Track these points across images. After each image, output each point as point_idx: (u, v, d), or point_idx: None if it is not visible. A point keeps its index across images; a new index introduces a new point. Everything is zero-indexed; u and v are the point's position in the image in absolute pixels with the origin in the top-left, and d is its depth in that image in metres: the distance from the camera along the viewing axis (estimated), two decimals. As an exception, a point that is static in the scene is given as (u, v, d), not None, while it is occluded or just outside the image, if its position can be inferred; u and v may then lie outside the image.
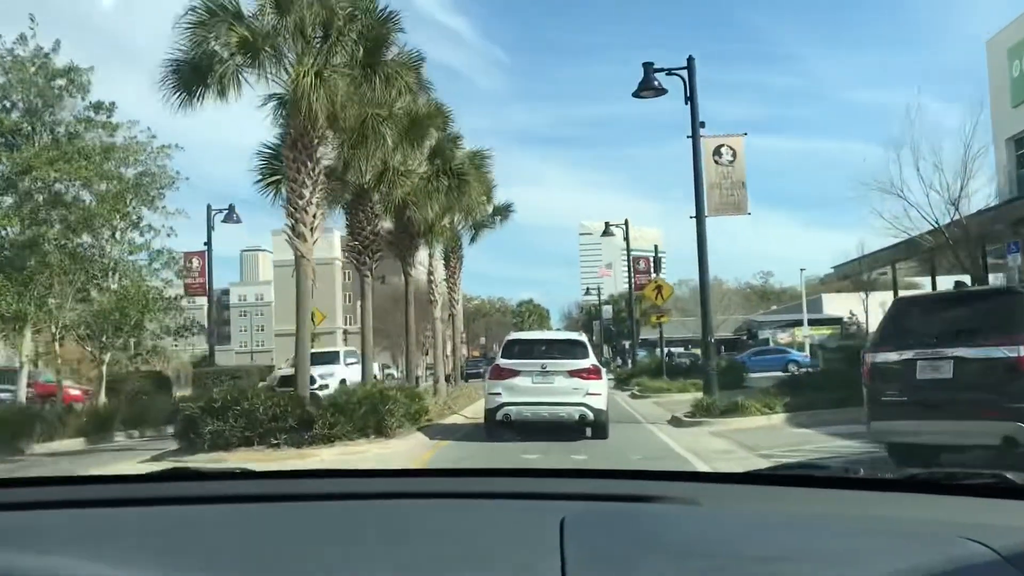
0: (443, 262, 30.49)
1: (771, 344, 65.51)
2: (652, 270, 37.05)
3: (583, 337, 16.53)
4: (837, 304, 74.05)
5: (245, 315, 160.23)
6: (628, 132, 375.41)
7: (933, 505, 1.65)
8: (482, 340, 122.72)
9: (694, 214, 18.34)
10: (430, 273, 29.47)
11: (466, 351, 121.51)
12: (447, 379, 32.31)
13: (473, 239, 31.26)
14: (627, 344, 79.94)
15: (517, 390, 14.53)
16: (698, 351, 64.09)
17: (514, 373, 14.68)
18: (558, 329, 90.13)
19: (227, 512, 1.72)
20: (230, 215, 28.40)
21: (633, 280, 36.07)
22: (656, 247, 37.51)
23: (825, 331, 67.66)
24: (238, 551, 1.45)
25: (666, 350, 47.36)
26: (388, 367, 60.23)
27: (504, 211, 31.20)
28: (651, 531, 1.49)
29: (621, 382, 36.22)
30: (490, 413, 14.80)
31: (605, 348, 73.60)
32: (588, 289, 72.27)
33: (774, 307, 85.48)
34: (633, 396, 27.91)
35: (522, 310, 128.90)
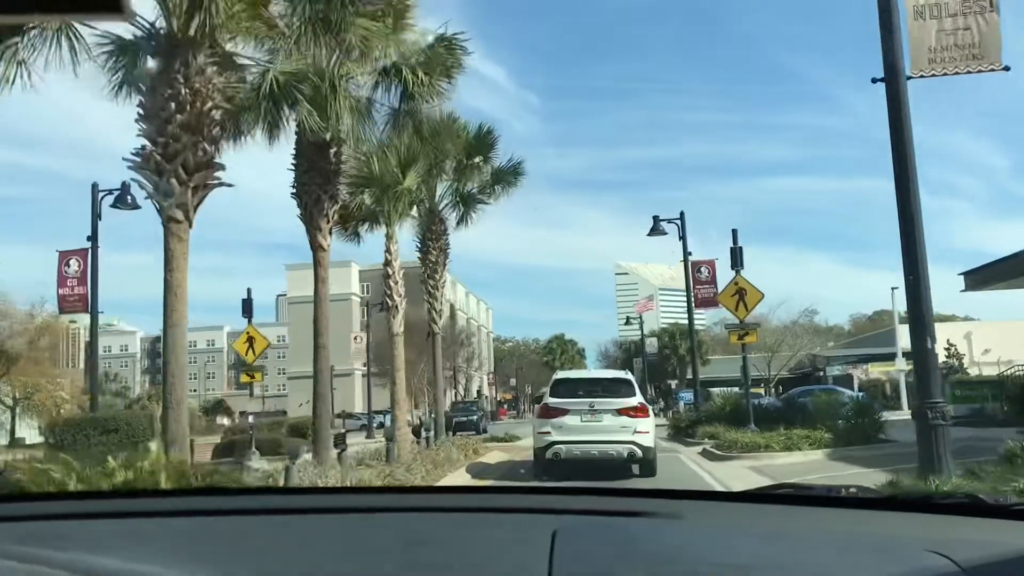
0: (420, 251, 21.43)
1: (829, 382, 56.91)
2: (714, 280, 27.73)
3: (629, 375, 16.55)
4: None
5: (267, 357, 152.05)
6: (659, 175, 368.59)
7: (907, 523, 1.71)
8: (512, 381, 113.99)
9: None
10: (386, 264, 19.54)
11: (493, 392, 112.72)
12: (418, 432, 23.25)
13: (463, 219, 22.28)
14: (673, 384, 70.43)
15: (566, 429, 14.68)
16: (762, 390, 54.90)
17: (563, 412, 14.85)
18: (594, 368, 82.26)
19: (251, 523, 1.87)
20: (123, 197, 19.79)
21: (692, 292, 26.60)
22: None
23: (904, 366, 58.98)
24: (256, 557, 1.61)
25: (721, 391, 38.29)
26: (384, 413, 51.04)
27: (507, 176, 21.55)
28: (636, 543, 1.61)
29: (680, 432, 26.71)
30: (539, 452, 14.94)
31: (648, 388, 64.06)
32: (628, 319, 62.56)
33: (831, 343, 76.18)
34: (709, 455, 18.67)
35: (553, 346, 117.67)
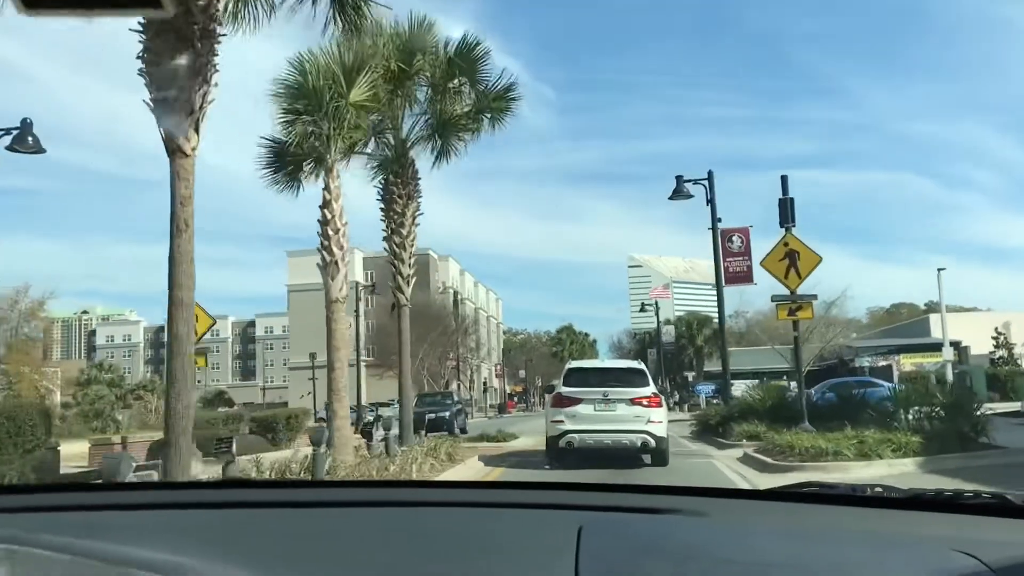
0: (382, 197, 17.03)
1: (865, 373, 53.01)
2: (747, 252, 23.61)
3: (642, 365, 16.30)
4: (955, 327, 61.40)
5: (272, 348, 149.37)
6: (674, 169, 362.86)
7: (933, 522, 1.69)
8: (522, 373, 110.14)
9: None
10: (325, 206, 14.14)
11: (502, 384, 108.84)
12: (369, 433, 19.60)
13: (441, 152, 17.25)
14: (689, 376, 66.10)
15: (579, 418, 14.54)
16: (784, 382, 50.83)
17: (576, 401, 14.69)
18: (607, 359, 78.25)
19: (274, 515, 1.88)
20: (22, 138, 15.94)
21: (722, 265, 22.43)
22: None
23: (936, 357, 55.25)
24: (282, 549, 1.60)
25: (746, 384, 33.90)
26: (389, 404, 46.21)
27: (498, 102, 16.53)
28: (661, 539, 1.60)
29: (709, 430, 22.33)
30: (552, 440, 14.83)
31: (661, 380, 59.98)
32: (643, 305, 58.27)
33: (854, 334, 72.00)
34: (755, 462, 14.29)
35: (562, 337, 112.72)
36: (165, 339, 9.19)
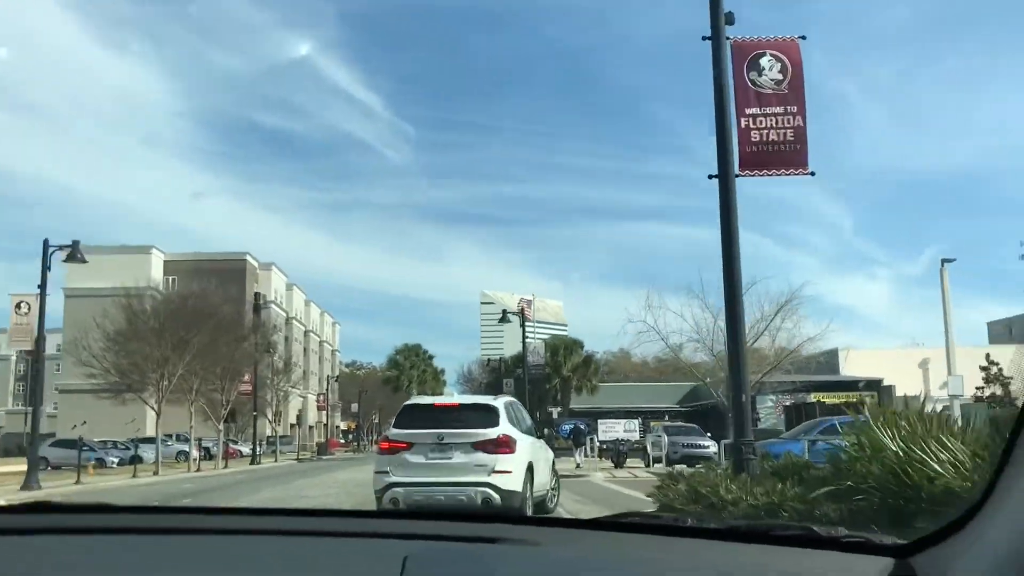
0: None
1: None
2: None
3: (498, 401, 13.77)
4: (865, 365, 52.02)
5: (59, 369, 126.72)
6: (535, 213, 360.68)
7: (745, 552, 1.74)
8: (354, 407, 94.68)
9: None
10: None
11: (325, 418, 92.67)
12: None
13: None
14: (555, 413, 52.71)
15: (408, 467, 12.47)
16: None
17: (405, 446, 12.67)
18: (455, 393, 64.58)
19: (83, 543, 1.79)
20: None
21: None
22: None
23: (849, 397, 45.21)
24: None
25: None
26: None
27: None
28: (486, 568, 1.62)
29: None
30: (378, 496, 12.63)
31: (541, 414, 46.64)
32: (505, 313, 44.58)
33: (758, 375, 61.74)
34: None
35: (399, 359, 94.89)
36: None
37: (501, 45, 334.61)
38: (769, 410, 46.83)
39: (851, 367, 54.87)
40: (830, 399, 46.91)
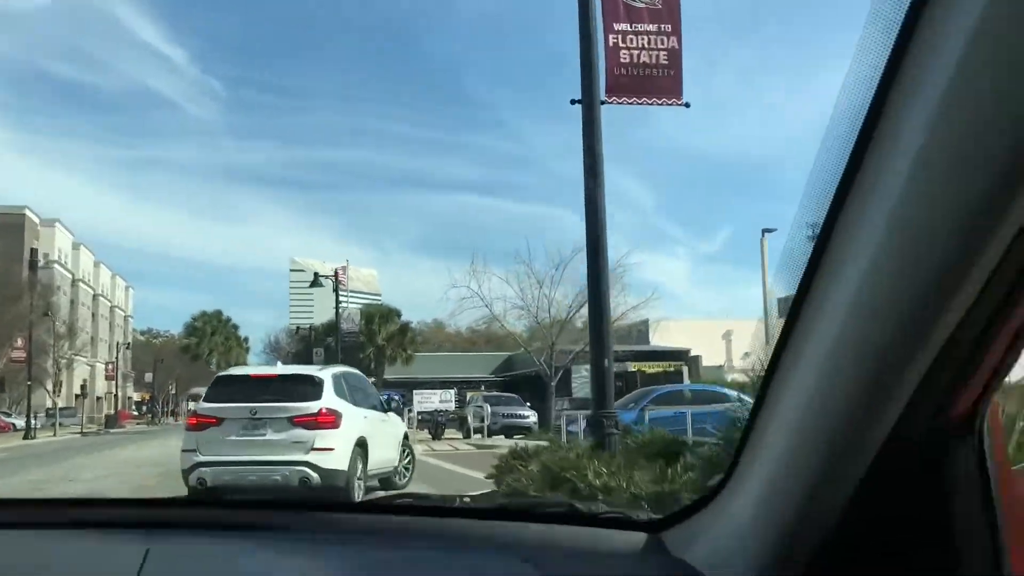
0: None
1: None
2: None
3: (324, 372, 12.54)
4: (674, 336, 53.16)
5: None
6: (347, 178, 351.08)
7: (510, 531, 1.72)
8: (148, 377, 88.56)
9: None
10: None
11: (115, 388, 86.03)
12: None
13: None
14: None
15: (218, 445, 11.32)
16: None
17: (215, 422, 11.55)
18: (262, 364, 60.86)
19: None
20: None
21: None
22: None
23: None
24: None
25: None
26: None
27: None
28: (235, 558, 1.56)
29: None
30: (184, 476, 11.54)
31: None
32: (317, 276, 42.15)
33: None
34: None
35: (197, 325, 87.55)
36: None
37: (316, 6, 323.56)
38: (584, 379, 47.13)
39: (660, 338, 56.27)
40: (649, 369, 48.10)
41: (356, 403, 12.51)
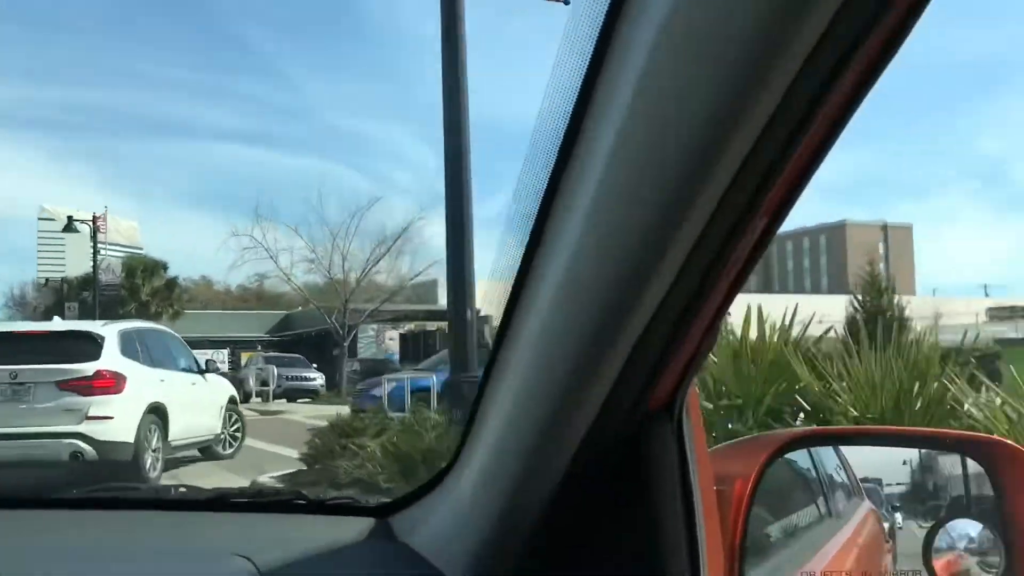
0: None
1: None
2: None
3: (106, 328, 11.26)
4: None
5: None
6: (105, 122, 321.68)
7: (228, 524, 1.65)
8: None
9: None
10: None
11: None
12: None
13: None
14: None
15: None
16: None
17: None
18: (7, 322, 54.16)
19: None
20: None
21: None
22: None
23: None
24: None
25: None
26: None
27: None
28: None
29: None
30: None
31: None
32: (71, 221, 37.79)
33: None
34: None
35: None
36: None
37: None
38: (370, 339, 45.58)
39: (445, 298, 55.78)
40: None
41: (155, 364, 11.53)
